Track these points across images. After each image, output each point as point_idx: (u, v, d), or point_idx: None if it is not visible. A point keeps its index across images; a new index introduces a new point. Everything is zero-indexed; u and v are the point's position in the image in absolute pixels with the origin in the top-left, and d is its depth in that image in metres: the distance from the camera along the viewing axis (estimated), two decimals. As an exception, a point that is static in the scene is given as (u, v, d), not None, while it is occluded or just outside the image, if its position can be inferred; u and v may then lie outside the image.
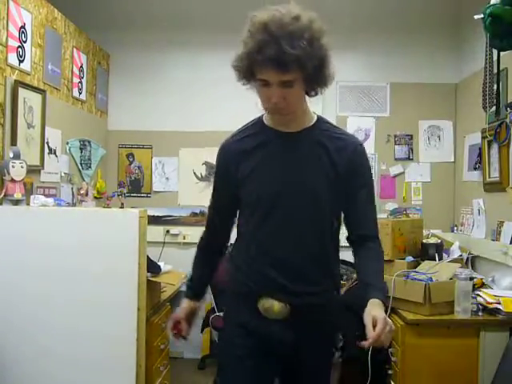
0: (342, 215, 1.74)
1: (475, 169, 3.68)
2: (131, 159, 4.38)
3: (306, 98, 1.63)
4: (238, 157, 1.67)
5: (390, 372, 2.74)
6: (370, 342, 1.43)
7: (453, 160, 4.20)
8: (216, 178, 1.80)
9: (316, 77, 1.53)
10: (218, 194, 1.80)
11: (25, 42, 2.88)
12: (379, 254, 1.74)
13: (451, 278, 2.73)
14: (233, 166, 1.68)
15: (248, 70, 1.54)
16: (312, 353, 1.71)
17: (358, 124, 4.29)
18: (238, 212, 1.78)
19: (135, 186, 4.38)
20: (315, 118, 1.69)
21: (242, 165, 1.66)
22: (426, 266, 2.94)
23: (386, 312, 1.54)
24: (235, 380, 1.70)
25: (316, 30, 1.55)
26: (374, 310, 1.50)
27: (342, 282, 3.82)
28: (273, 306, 1.63)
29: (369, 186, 1.77)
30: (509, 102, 3.08)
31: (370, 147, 4.28)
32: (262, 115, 1.72)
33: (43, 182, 3.13)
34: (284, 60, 1.43)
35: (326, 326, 1.75)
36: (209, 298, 4.09)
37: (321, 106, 4.27)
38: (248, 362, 1.66)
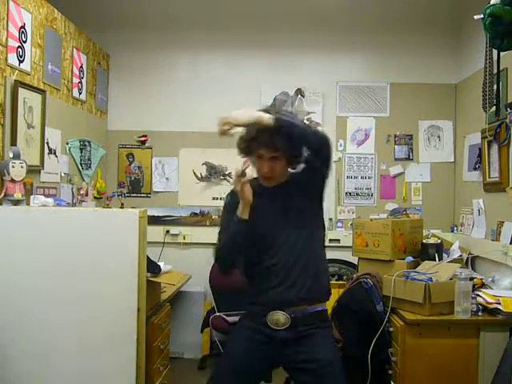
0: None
1: (475, 169, 3.68)
2: (131, 159, 4.38)
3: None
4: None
5: (390, 372, 2.74)
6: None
7: (453, 160, 4.20)
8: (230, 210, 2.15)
9: (295, 156, 2.08)
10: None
11: (25, 42, 2.88)
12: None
13: (451, 278, 2.73)
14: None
15: (248, 149, 2.08)
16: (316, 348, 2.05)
17: (358, 124, 4.29)
18: None
19: (135, 186, 4.38)
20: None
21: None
22: (425, 266, 2.94)
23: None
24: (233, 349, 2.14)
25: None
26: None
27: (342, 281, 3.86)
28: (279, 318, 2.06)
29: None
30: (509, 101, 3.08)
31: (370, 147, 4.29)
32: None
33: (43, 182, 3.13)
34: (273, 142, 2.01)
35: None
36: (209, 298, 4.10)
37: (321, 107, 4.28)
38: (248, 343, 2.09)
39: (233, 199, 2.13)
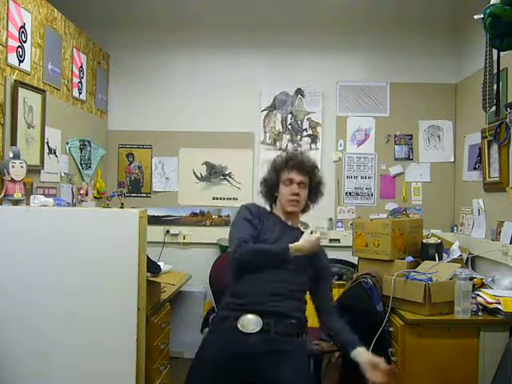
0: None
1: (475, 169, 3.68)
2: (131, 159, 4.38)
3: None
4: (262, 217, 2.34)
5: (390, 372, 2.74)
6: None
7: (453, 160, 4.20)
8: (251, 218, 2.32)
9: (315, 190, 2.37)
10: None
11: (25, 41, 2.88)
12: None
13: (451, 278, 2.73)
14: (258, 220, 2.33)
15: (276, 180, 2.34)
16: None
17: (358, 124, 4.29)
18: None
19: (135, 186, 4.38)
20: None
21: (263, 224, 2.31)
22: (425, 265, 2.94)
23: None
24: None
25: (317, 165, 2.42)
26: (370, 355, 2.11)
27: (342, 281, 3.86)
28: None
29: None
30: (509, 101, 3.08)
31: (370, 147, 4.29)
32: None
33: (43, 182, 3.13)
34: (303, 166, 2.31)
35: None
36: (209, 298, 4.10)
37: (321, 107, 4.28)
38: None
39: (260, 210, 2.35)
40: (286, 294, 2.15)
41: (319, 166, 2.43)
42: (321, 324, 2.34)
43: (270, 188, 2.37)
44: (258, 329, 2.08)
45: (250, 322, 2.08)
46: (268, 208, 2.43)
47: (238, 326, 2.08)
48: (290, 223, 2.35)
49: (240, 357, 2.05)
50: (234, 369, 2.05)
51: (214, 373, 2.08)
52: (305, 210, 2.39)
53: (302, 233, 2.28)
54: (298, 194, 2.28)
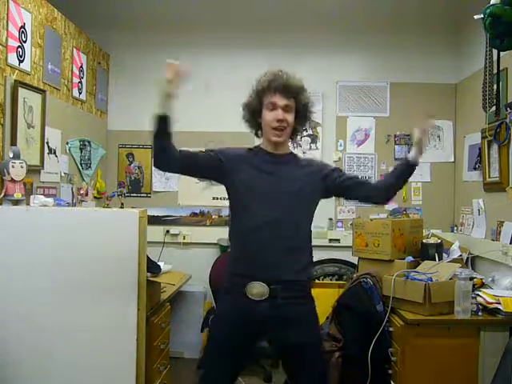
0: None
1: (475, 169, 3.68)
2: (131, 159, 4.38)
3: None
4: (240, 161, 2.15)
5: (390, 372, 2.74)
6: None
7: (453, 160, 4.20)
8: (215, 154, 2.17)
9: (303, 113, 2.16)
10: (205, 159, 2.20)
11: (25, 41, 2.88)
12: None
13: (451, 278, 2.73)
14: (234, 165, 2.15)
15: (258, 104, 2.13)
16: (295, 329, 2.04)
17: (358, 124, 4.29)
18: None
19: (135, 186, 4.38)
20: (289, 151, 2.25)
21: (242, 171, 2.13)
22: (425, 265, 2.94)
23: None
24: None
25: (304, 84, 2.17)
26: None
27: (342, 281, 3.86)
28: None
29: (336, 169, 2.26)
30: (509, 101, 3.08)
31: (370, 147, 4.29)
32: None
33: (43, 182, 3.13)
34: (288, 88, 2.09)
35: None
36: (209, 298, 4.10)
37: (321, 107, 4.28)
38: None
39: (237, 151, 2.19)
40: (286, 246, 2.05)
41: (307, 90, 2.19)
42: (381, 193, 2.21)
43: (253, 113, 2.16)
44: (265, 297, 2.02)
45: (257, 291, 2.02)
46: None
47: (247, 293, 2.04)
48: (280, 152, 2.17)
49: (249, 323, 2.05)
50: (247, 332, 2.08)
51: (229, 337, 2.09)
52: (293, 136, 2.22)
53: (295, 157, 2.18)
54: (282, 121, 2.08)
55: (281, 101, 2.08)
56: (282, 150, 2.17)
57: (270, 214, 2.05)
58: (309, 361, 2.08)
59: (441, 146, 4.24)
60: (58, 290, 2.34)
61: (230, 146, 2.22)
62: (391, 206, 4.20)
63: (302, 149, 4.27)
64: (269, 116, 2.09)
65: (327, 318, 3.07)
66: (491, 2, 2.30)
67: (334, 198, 4.26)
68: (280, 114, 2.07)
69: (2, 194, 2.59)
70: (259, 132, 2.21)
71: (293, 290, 2.05)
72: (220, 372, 2.12)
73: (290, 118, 2.10)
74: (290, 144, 2.27)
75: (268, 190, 2.08)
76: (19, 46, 2.82)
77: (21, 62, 2.85)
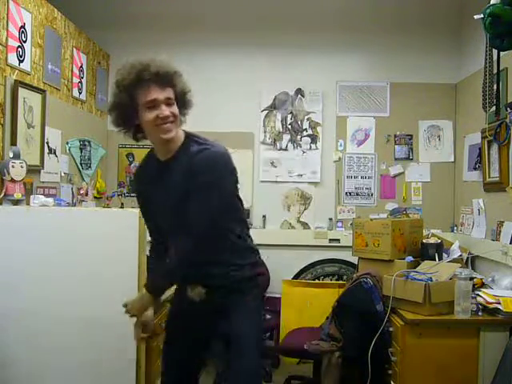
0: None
1: (475, 169, 3.68)
2: (131, 159, 4.38)
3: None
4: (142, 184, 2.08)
5: (389, 372, 2.74)
6: None
7: (453, 160, 4.20)
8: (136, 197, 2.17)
9: (183, 100, 1.93)
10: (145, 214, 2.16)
11: (25, 41, 2.88)
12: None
13: (451, 278, 2.73)
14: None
15: (131, 103, 1.80)
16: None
17: (358, 124, 4.29)
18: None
19: (135, 186, 4.37)
20: (183, 138, 1.94)
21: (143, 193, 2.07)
22: (425, 266, 2.94)
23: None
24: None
25: (172, 65, 1.87)
26: None
27: (342, 281, 3.86)
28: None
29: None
30: (509, 101, 3.08)
31: (370, 147, 4.29)
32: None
33: (43, 182, 3.13)
34: (162, 77, 1.79)
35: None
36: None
37: (321, 107, 4.28)
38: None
39: (141, 173, 2.06)
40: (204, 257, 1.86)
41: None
42: None
43: (125, 115, 1.84)
44: (202, 298, 1.93)
45: (194, 293, 1.94)
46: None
47: (188, 294, 1.97)
48: (170, 153, 1.91)
49: (189, 317, 2.01)
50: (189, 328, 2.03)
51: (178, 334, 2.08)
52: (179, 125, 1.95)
53: (187, 148, 1.88)
54: (168, 117, 1.81)
55: (160, 94, 1.79)
56: (173, 146, 1.91)
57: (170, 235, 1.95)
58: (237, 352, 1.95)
59: (441, 146, 4.23)
60: (58, 289, 2.34)
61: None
62: (391, 206, 4.21)
63: (302, 149, 4.28)
64: (151, 115, 1.80)
65: (327, 317, 3.08)
66: (491, 2, 2.30)
67: (333, 198, 4.35)
68: (165, 111, 1.80)
69: (2, 194, 2.59)
70: (138, 135, 1.92)
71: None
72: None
73: (175, 109, 1.86)
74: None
75: (159, 206, 1.96)
76: (19, 46, 2.82)
77: (21, 61, 2.84)
